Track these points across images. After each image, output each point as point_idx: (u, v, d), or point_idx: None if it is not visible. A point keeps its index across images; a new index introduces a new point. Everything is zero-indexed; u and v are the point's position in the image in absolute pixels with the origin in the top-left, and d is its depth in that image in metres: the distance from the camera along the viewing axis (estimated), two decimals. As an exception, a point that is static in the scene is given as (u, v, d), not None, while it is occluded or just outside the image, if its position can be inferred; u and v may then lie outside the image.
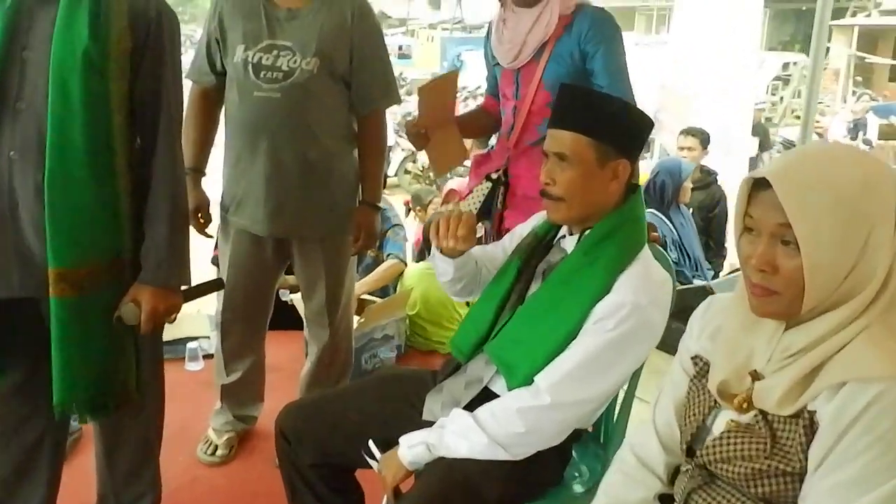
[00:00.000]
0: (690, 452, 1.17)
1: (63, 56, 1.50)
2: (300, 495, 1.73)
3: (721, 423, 1.15)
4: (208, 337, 3.26)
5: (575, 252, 1.57)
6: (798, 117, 11.66)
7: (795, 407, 1.03)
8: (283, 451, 1.73)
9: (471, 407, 1.57)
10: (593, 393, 1.50)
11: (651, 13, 25.85)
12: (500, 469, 1.50)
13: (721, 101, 5.26)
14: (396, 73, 2.39)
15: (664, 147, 6.26)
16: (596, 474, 1.63)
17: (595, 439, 1.77)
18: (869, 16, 18.75)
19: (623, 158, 1.53)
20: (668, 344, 1.48)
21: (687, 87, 5.43)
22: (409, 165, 8.96)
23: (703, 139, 4.66)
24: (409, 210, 4.51)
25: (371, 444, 1.61)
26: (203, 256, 3.13)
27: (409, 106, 9.02)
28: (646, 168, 4.10)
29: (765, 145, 6.95)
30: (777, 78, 13.53)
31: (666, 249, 3.51)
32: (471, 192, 2.31)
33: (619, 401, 1.75)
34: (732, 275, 3.83)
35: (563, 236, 1.65)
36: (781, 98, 13.07)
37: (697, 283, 3.70)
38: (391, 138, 7.79)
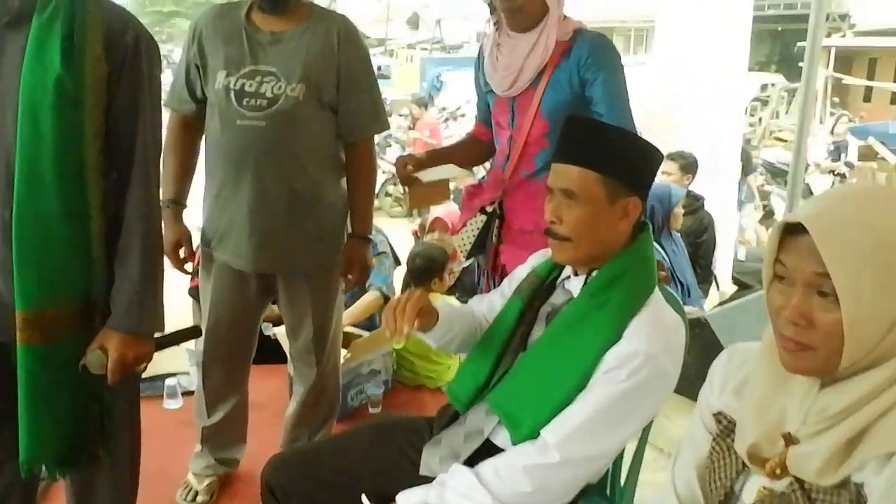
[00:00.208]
0: (719, 521, 1.08)
1: (33, 86, 1.40)
2: (289, 552, 1.62)
3: (751, 489, 1.06)
4: (188, 373, 3.11)
5: (582, 295, 1.49)
6: (778, 139, 11.74)
7: (837, 477, 0.95)
8: (270, 506, 1.63)
9: (471, 459, 1.48)
10: (605, 448, 1.41)
11: (629, 33, 26.00)
12: (504, 528, 1.40)
13: (708, 123, 5.15)
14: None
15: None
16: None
17: (600, 492, 1.67)
18: (844, 36, 19.02)
19: (633, 196, 1.46)
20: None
21: (671, 109, 5.32)
22: (391, 188, 8.84)
23: (684, 164, 4.49)
24: (417, 238, 4.48)
25: (364, 499, 1.52)
26: (180, 287, 2.99)
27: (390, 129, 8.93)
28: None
29: (747, 169, 6.90)
30: (756, 99, 13.55)
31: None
32: (464, 225, 2.22)
33: (628, 450, 1.65)
34: (726, 305, 3.76)
35: (568, 277, 1.56)
36: (760, 119, 13.10)
37: (689, 309, 3.63)
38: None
